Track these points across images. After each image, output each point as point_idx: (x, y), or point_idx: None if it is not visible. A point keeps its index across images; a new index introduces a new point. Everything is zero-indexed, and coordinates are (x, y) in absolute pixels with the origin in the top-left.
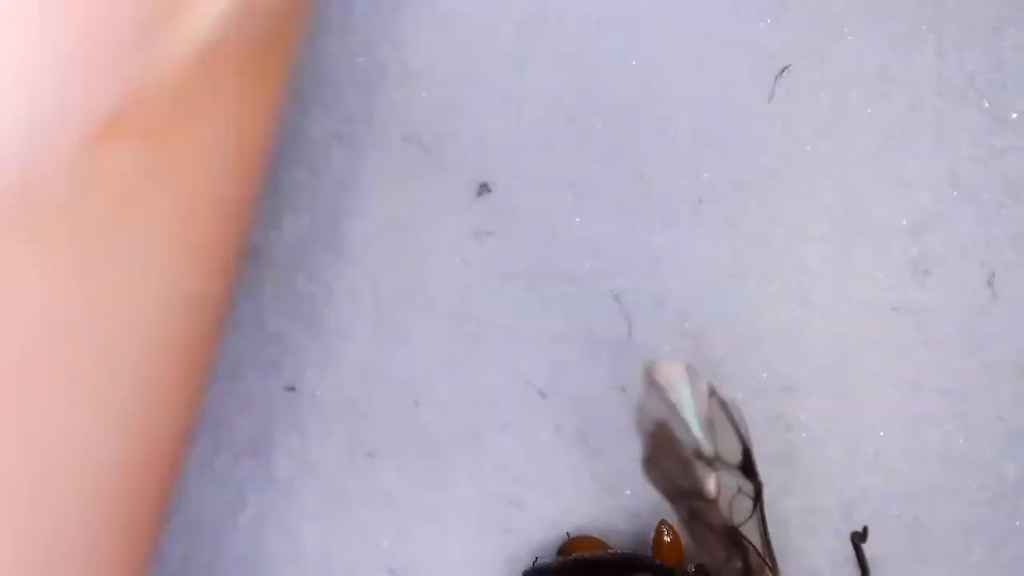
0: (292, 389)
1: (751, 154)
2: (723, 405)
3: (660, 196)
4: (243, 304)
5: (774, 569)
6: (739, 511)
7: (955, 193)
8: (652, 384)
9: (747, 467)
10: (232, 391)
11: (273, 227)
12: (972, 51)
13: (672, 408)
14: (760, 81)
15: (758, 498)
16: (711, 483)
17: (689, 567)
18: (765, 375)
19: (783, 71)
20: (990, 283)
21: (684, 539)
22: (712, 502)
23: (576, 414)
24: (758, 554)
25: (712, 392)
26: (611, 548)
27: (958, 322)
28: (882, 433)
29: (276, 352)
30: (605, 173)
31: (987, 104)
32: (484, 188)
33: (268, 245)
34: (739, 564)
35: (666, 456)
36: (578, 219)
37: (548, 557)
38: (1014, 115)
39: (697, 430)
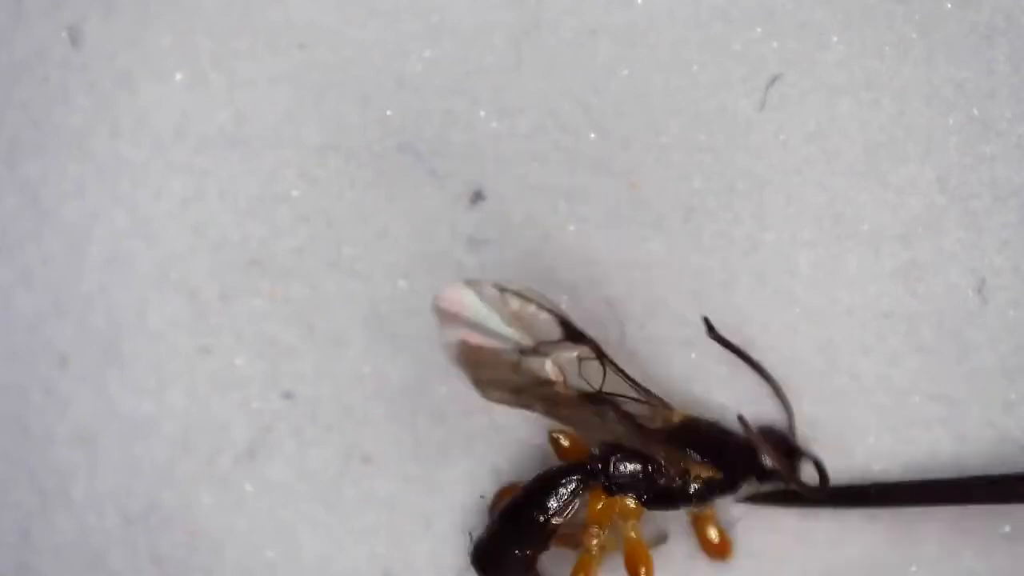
0: (289, 396)
1: (742, 162)
2: (517, 295)
3: (652, 204)
4: (241, 311)
5: (656, 399)
6: (592, 375)
7: (945, 200)
8: (443, 315)
9: (571, 333)
10: (230, 397)
11: (270, 235)
12: (962, 59)
13: (474, 324)
14: (751, 90)
15: (600, 354)
16: (548, 368)
17: (593, 450)
18: (756, 380)
19: (774, 80)
20: (980, 290)
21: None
22: (560, 383)
23: None
24: (635, 398)
25: (502, 289)
26: (522, 483)
27: (948, 328)
28: (872, 439)
29: (273, 359)
30: (598, 181)
31: (976, 112)
32: (478, 196)
33: (266, 253)
34: (613, 414)
35: (492, 370)
36: (572, 227)
37: (480, 527)
38: (1003, 123)
39: (508, 330)
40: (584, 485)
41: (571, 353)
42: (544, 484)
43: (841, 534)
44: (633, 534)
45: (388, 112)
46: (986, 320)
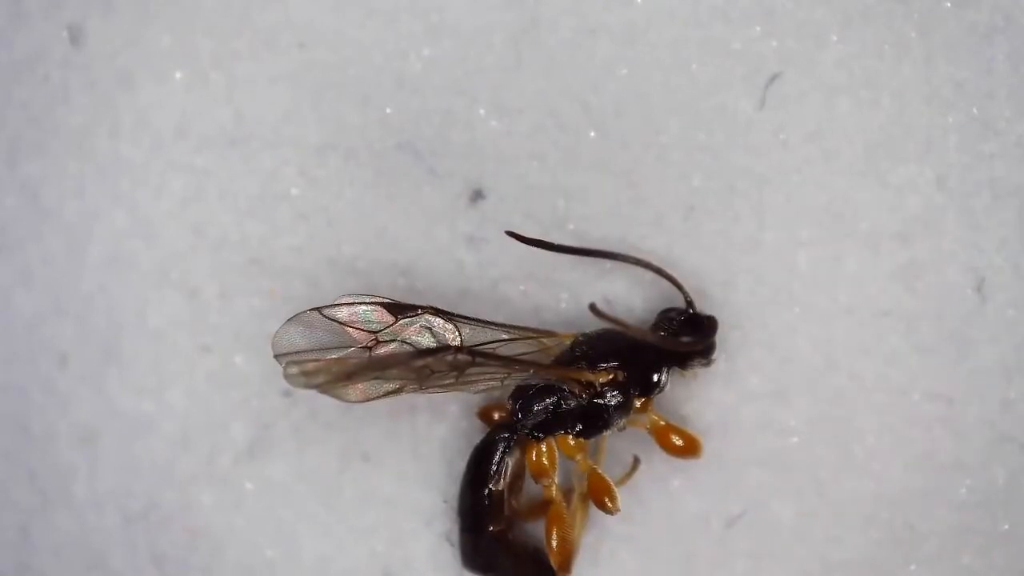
0: (289, 394)
1: (742, 161)
2: (336, 305)
3: (652, 203)
4: (241, 310)
5: (529, 330)
6: (441, 334)
7: (944, 199)
8: (284, 357)
9: (403, 308)
10: (230, 396)
11: (270, 234)
12: (961, 59)
13: (315, 350)
14: (751, 89)
15: (440, 312)
16: (399, 348)
17: (507, 405)
18: (755, 380)
19: (773, 79)
20: (979, 288)
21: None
22: (417, 354)
23: None
24: (505, 339)
25: (320, 309)
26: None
27: (947, 327)
28: (872, 438)
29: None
30: (597, 180)
31: (975, 111)
32: (478, 195)
33: (266, 252)
34: (483, 358)
35: (358, 377)
36: (571, 226)
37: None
38: (1002, 122)
39: (348, 337)
40: (509, 442)
41: (416, 323)
42: (478, 457)
43: (841, 534)
44: (585, 468)
45: (388, 111)
46: (985, 319)
